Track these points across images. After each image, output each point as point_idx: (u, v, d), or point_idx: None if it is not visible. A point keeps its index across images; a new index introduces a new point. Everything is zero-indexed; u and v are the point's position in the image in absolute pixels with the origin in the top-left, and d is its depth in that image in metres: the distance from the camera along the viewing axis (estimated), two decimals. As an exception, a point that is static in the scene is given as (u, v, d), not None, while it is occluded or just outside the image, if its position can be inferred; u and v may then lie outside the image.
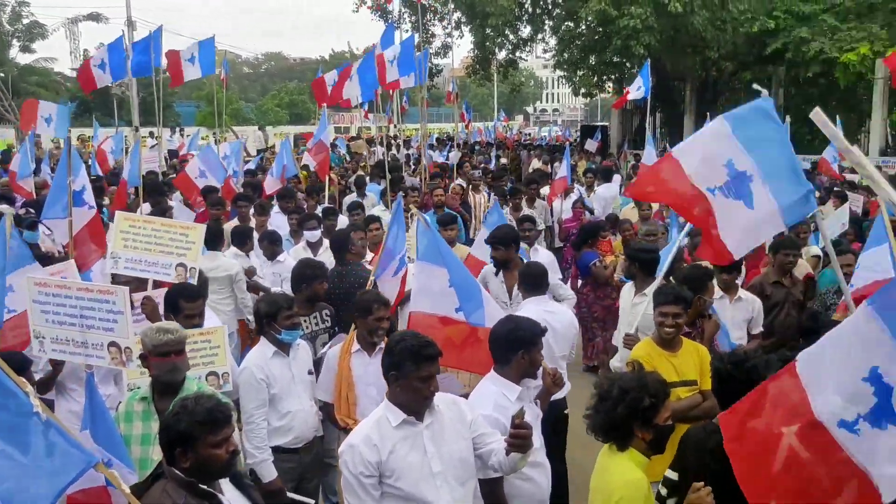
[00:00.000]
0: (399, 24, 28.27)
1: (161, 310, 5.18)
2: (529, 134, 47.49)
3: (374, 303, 4.67)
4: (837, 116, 16.56)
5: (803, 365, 2.51)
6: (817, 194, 10.24)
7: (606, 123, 33.71)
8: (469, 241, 9.35)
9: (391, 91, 15.49)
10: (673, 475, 3.45)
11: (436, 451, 3.26)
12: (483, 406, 3.68)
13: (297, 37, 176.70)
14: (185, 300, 4.97)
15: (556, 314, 5.09)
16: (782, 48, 23.60)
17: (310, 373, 4.85)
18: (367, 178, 13.55)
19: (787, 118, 9.31)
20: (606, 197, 12.36)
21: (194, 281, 5.49)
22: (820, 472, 2.46)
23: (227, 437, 2.83)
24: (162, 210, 8.55)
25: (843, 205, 9.11)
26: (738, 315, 5.90)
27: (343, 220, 8.85)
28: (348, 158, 20.92)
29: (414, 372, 3.19)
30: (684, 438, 3.47)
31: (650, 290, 5.13)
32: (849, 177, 13.88)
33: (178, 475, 2.75)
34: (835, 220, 7.51)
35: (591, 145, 22.99)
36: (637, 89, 11.59)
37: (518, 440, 3.18)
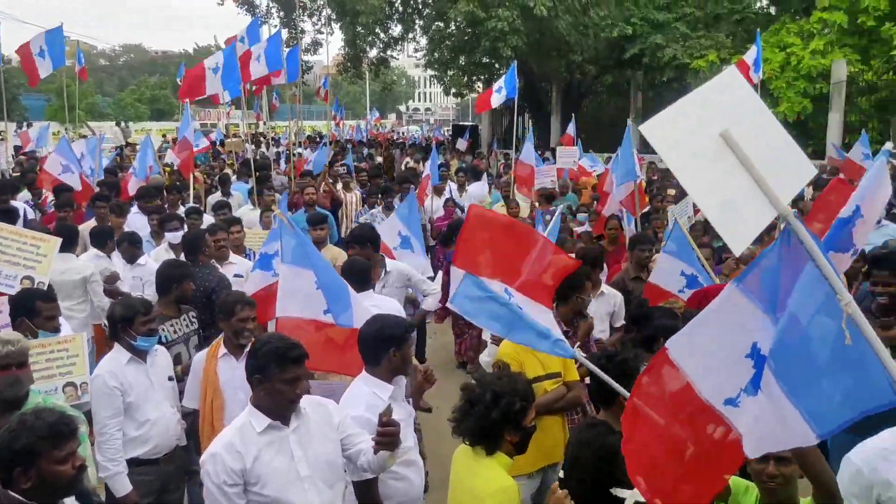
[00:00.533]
0: (266, 19, 27.56)
1: (3, 320, 4.78)
2: (402, 132, 47.66)
3: (237, 303, 4.52)
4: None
5: (677, 353, 2.51)
6: (673, 192, 10.83)
7: (477, 123, 34.32)
8: (340, 241, 9.24)
9: (255, 87, 15.03)
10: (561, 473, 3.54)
11: (303, 454, 3.18)
12: (355, 407, 3.62)
13: (159, 29, 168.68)
14: (43, 301, 4.70)
15: (380, 308, 5.10)
16: (640, 53, 24.87)
17: (170, 379, 4.62)
18: (234, 177, 13.12)
19: (630, 120, 9.84)
20: (477, 195, 12.58)
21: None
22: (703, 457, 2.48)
23: (72, 451, 2.63)
24: (3, 211, 7.89)
25: (685, 198, 9.46)
26: (601, 309, 6.13)
27: (209, 220, 8.51)
28: (220, 155, 20.20)
29: (278, 374, 3.10)
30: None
31: None
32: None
33: (16, 497, 2.52)
34: (681, 212, 7.92)
35: (462, 144, 23.40)
36: (499, 90, 11.78)
37: (385, 438, 3.15)
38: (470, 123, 33.57)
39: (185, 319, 5.32)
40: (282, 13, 27.97)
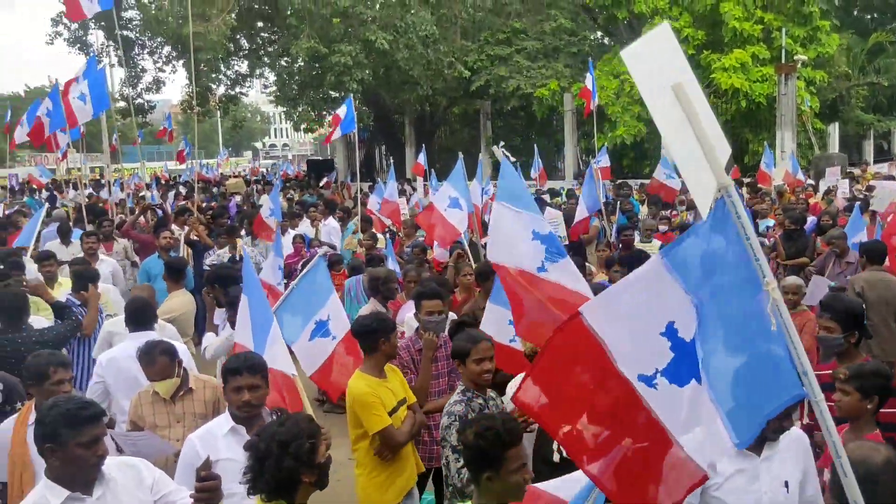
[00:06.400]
0: (101, 57, 26.35)
1: None
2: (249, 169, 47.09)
3: (50, 365, 4.15)
4: (536, 145, 18.36)
5: (592, 317, 2.32)
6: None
7: (334, 157, 34.22)
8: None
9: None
10: None
11: (110, 525, 2.92)
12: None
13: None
14: None
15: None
16: (485, 85, 25.73)
17: None
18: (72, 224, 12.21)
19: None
20: (334, 227, 12.34)
21: None
22: (629, 433, 2.33)
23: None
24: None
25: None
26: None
27: (32, 270, 7.81)
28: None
29: (73, 438, 2.84)
30: None
31: None
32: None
33: None
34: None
35: (324, 181, 23.84)
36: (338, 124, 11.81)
37: (204, 493, 2.95)
38: (320, 158, 33.46)
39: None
40: (119, 51, 26.84)
